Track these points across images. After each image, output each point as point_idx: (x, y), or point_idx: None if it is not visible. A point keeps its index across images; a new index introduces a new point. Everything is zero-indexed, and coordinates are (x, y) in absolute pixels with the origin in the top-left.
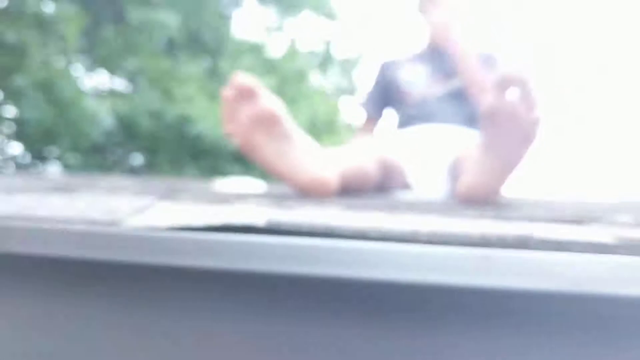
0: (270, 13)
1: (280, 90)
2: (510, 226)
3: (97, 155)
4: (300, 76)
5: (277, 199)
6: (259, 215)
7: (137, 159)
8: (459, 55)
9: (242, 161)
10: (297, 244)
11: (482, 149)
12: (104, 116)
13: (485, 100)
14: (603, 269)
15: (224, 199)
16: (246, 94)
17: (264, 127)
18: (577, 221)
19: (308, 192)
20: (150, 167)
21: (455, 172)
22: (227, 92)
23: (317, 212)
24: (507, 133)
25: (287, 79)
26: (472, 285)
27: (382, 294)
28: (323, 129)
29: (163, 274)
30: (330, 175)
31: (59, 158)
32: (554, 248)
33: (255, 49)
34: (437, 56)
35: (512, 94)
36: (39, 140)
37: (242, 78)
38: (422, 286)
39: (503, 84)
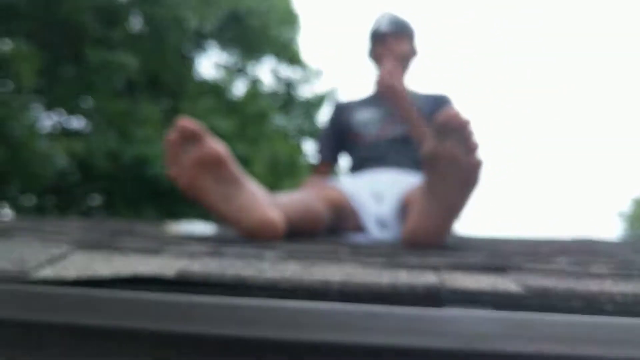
0: (233, 56)
1: (242, 132)
2: (427, 275)
3: (53, 197)
4: (262, 117)
5: (217, 243)
6: (169, 266)
7: (95, 199)
8: (401, 103)
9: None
10: (186, 301)
11: (425, 193)
12: (58, 157)
13: (426, 145)
14: (491, 326)
15: (163, 243)
16: (190, 137)
17: (208, 171)
18: (498, 268)
19: (254, 235)
20: (108, 209)
21: (402, 215)
22: (171, 135)
23: (246, 259)
24: (448, 177)
25: (248, 120)
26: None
27: (264, 351)
28: (284, 170)
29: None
30: (277, 218)
31: (12, 200)
32: (463, 299)
33: (216, 91)
34: (385, 101)
35: (452, 139)
36: None
37: (186, 121)
38: (301, 343)
39: (442, 129)
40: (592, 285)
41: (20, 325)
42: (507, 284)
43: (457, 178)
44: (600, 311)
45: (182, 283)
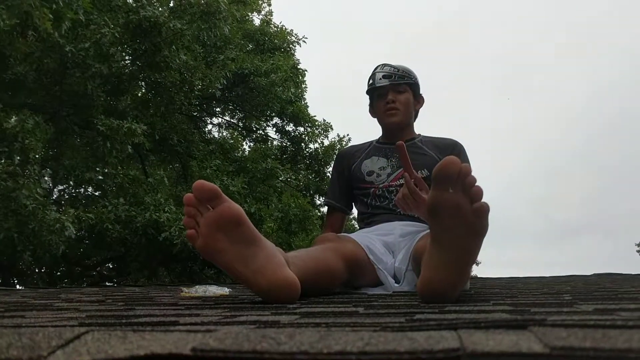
0: (239, 115)
1: (251, 190)
2: (446, 338)
3: (65, 265)
4: (270, 175)
5: (231, 310)
6: (184, 342)
7: (107, 266)
8: (404, 159)
9: (213, 264)
10: None
11: (433, 245)
12: (68, 225)
13: (429, 195)
14: None
15: (178, 313)
16: (208, 198)
17: (225, 231)
18: (520, 325)
19: (270, 296)
20: (121, 274)
21: (414, 266)
22: (189, 196)
23: (261, 328)
24: (453, 226)
25: (257, 178)
26: None
27: None
28: (296, 225)
29: None
30: (293, 279)
31: (22, 271)
32: None
33: (224, 151)
34: (393, 150)
35: (453, 188)
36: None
37: (203, 183)
38: None
39: (442, 179)
40: (619, 342)
41: None
42: (530, 343)
43: (463, 227)
44: None
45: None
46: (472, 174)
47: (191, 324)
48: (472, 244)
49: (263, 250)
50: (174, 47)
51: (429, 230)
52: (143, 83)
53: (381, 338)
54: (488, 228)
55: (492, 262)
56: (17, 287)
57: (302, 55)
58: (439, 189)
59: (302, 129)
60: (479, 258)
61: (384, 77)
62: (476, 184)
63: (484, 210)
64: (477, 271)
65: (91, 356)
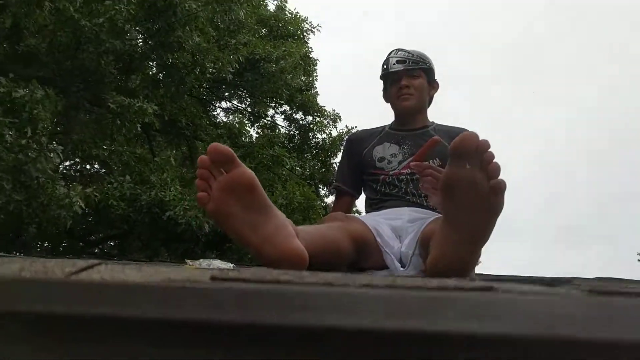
0: (248, 100)
1: (257, 175)
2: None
3: (68, 240)
4: (277, 162)
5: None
6: (203, 274)
7: (110, 243)
8: (424, 151)
9: (215, 246)
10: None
11: (445, 223)
12: (75, 201)
13: (444, 172)
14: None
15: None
16: (222, 161)
17: (238, 196)
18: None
19: (278, 265)
20: (123, 252)
21: (421, 252)
22: (203, 157)
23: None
24: (467, 204)
25: (263, 164)
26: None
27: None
28: (300, 214)
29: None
30: (301, 250)
31: (26, 244)
32: None
33: (231, 135)
34: (406, 137)
35: (470, 163)
36: (7, 224)
37: (218, 145)
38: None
39: (458, 153)
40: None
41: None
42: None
43: (478, 205)
44: None
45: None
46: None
47: (204, 268)
48: (487, 222)
49: (274, 219)
50: (187, 28)
51: (438, 216)
52: (154, 63)
53: (408, 280)
54: (503, 207)
55: (494, 262)
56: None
57: (316, 43)
58: (455, 165)
59: (310, 118)
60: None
61: (397, 62)
62: (494, 160)
63: (501, 187)
64: (478, 269)
65: (106, 282)
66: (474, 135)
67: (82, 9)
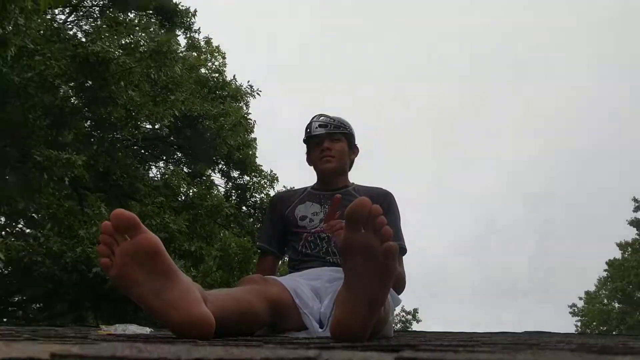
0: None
1: (193, 228)
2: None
3: None
4: (215, 211)
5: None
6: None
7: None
8: (332, 211)
9: None
10: None
11: (344, 285)
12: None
13: (342, 236)
14: None
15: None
16: (126, 227)
17: (141, 261)
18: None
19: (183, 332)
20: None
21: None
22: (106, 223)
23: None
24: (363, 266)
25: (200, 216)
26: None
27: None
28: (236, 265)
29: None
30: (207, 316)
31: None
32: None
33: (168, 191)
34: (327, 197)
35: (365, 228)
36: None
37: (122, 211)
38: None
39: (355, 219)
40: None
41: None
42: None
43: (372, 267)
44: None
45: None
46: (383, 216)
47: (65, 337)
48: (381, 284)
49: (178, 284)
50: (122, 83)
51: None
52: (87, 118)
53: (243, 349)
54: (396, 269)
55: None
56: None
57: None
58: (351, 229)
59: (247, 178)
60: (420, 315)
61: (320, 126)
62: (386, 225)
63: (393, 250)
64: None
65: None
66: (367, 202)
67: (11, 63)
